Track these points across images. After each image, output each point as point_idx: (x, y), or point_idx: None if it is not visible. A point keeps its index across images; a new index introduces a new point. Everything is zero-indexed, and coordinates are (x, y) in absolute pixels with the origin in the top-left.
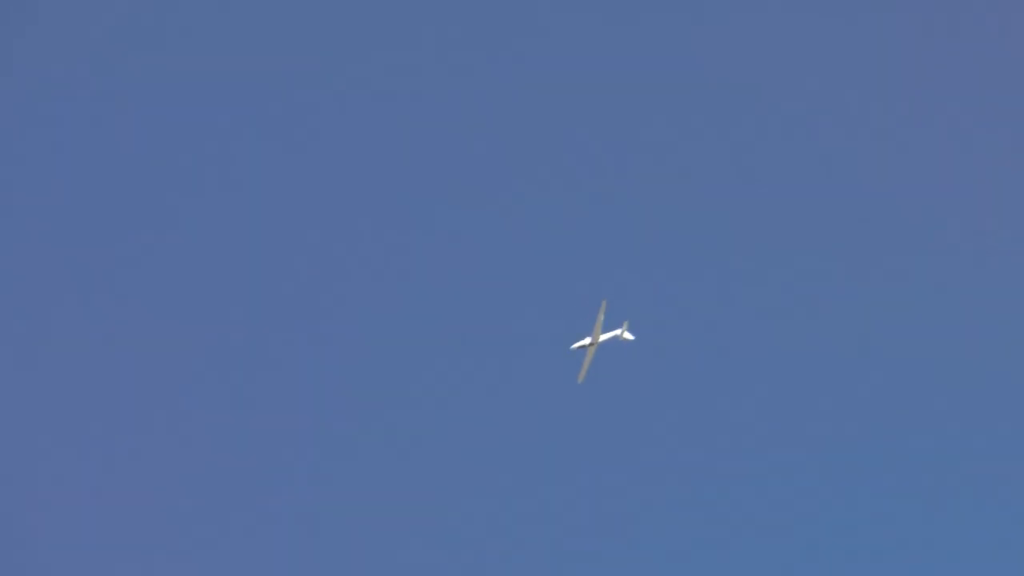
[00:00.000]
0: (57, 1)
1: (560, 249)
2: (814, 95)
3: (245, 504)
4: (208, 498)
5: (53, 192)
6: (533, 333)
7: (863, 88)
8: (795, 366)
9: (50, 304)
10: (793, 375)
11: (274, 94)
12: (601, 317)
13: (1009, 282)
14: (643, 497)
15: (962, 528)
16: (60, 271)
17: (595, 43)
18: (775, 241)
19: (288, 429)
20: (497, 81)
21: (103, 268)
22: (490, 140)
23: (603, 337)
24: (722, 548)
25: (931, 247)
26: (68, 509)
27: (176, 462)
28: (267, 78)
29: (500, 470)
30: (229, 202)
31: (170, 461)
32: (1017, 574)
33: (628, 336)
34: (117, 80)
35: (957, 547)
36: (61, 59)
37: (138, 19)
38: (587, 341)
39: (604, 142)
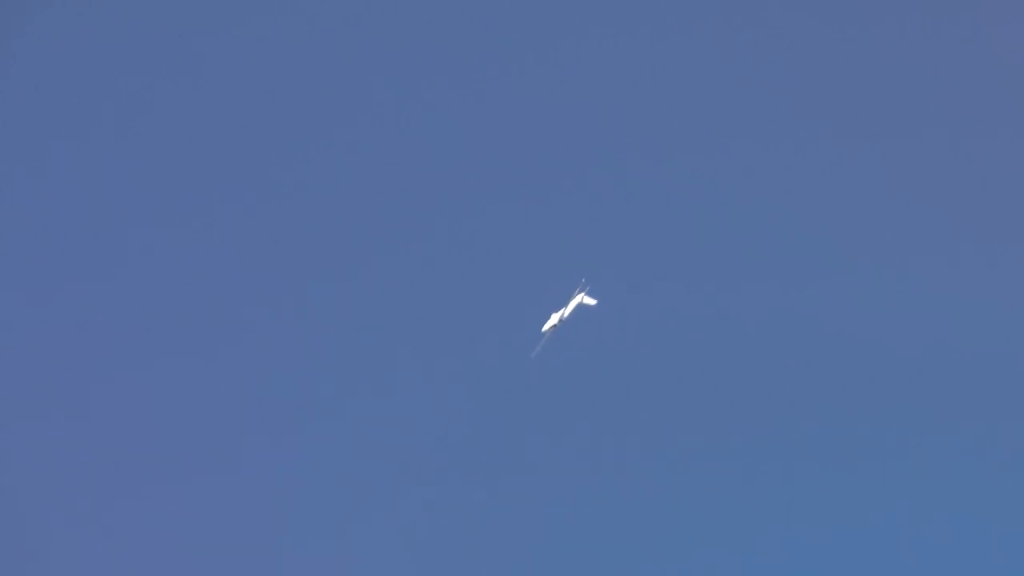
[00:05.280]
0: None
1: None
2: (813, 94)
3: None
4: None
5: (53, 193)
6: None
7: (862, 88)
8: (783, 358)
9: (49, 305)
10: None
11: (273, 95)
12: (578, 298)
13: (1009, 282)
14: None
15: (961, 527)
16: (60, 271)
17: (593, 43)
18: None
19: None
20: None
21: (103, 268)
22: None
23: (570, 309)
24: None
25: (930, 247)
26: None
27: (175, 462)
28: (266, 79)
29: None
30: (226, 202)
31: (170, 463)
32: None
33: (590, 300)
34: (116, 80)
35: (956, 546)
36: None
37: (137, 20)
38: (555, 320)
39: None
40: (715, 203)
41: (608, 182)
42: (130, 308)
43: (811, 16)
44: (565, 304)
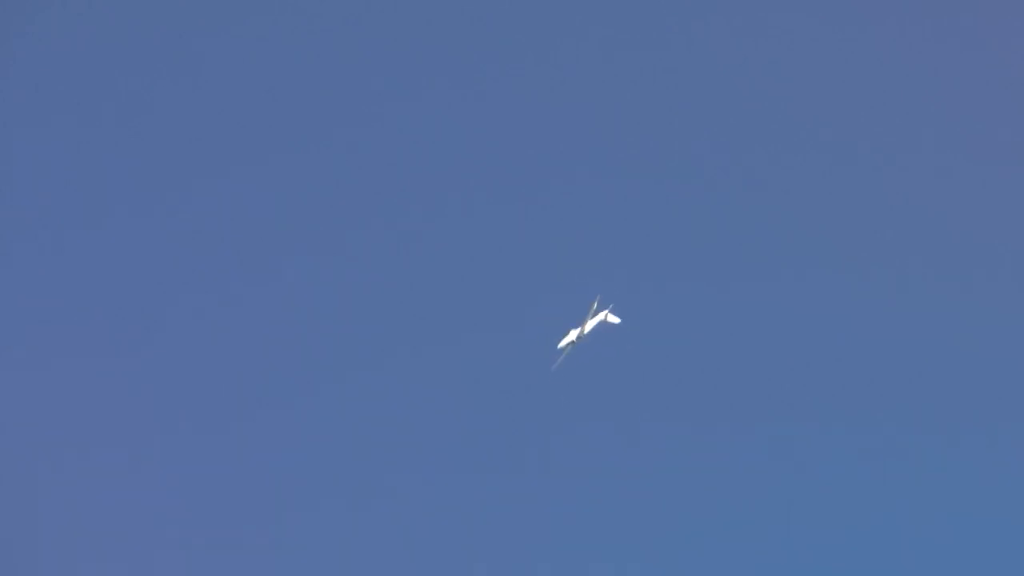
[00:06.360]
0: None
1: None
2: (813, 95)
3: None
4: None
5: (53, 193)
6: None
7: (862, 89)
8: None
9: (49, 304)
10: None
11: (274, 96)
12: (593, 312)
13: (1008, 282)
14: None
15: (962, 527)
16: (59, 267)
17: (594, 43)
18: (769, 240)
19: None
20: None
21: (102, 265)
22: (484, 140)
23: (589, 326)
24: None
25: (930, 247)
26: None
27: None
28: (267, 79)
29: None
30: (224, 201)
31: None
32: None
33: (613, 319)
34: (115, 80)
35: (955, 546)
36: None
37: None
38: (573, 336)
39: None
40: (734, 209)
41: (619, 186)
42: (131, 307)
43: (817, 16)
44: (583, 320)
